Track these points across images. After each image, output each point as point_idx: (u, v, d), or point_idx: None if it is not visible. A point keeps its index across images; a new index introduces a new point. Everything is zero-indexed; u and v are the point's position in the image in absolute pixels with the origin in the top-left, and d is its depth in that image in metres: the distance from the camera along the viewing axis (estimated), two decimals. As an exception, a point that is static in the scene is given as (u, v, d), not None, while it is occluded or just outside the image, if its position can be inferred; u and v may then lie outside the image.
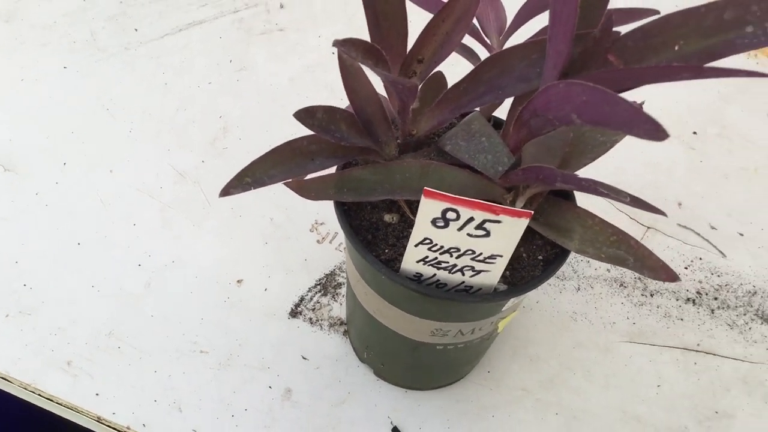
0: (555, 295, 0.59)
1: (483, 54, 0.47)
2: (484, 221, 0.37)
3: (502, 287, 0.42)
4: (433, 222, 0.37)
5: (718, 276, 0.62)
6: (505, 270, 0.43)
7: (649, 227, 0.64)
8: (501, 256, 0.39)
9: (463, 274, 0.40)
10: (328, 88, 0.70)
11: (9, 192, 0.59)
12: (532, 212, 0.36)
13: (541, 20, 0.45)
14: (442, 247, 0.39)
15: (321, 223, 0.60)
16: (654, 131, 0.28)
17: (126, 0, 0.74)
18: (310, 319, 0.55)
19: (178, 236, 0.58)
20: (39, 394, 0.49)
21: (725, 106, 0.75)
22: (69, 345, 0.51)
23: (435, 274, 0.41)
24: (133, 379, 0.50)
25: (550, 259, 0.44)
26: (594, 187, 0.37)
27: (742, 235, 0.65)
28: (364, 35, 0.75)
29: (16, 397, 0.51)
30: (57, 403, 0.49)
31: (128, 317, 0.53)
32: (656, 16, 0.37)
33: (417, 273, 0.41)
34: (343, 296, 0.57)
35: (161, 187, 0.61)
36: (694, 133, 0.73)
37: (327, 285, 0.57)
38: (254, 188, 0.39)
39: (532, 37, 0.46)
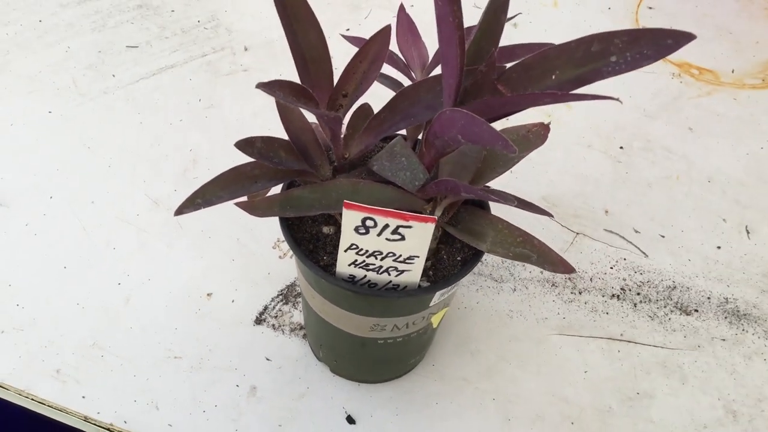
0: (493, 296, 0.66)
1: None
2: (398, 227, 0.44)
3: (425, 284, 0.49)
4: (356, 229, 0.44)
5: (641, 274, 0.69)
6: (429, 270, 0.50)
7: (578, 233, 0.72)
8: (418, 256, 0.46)
9: (389, 274, 0.47)
10: (288, 121, 0.78)
11: (1, 224, 0.66)
12: (436, 218, 0.44)
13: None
14: (367, 251, 0.46)
15: (282, 241, 0.68)
16: (507, 146, 0.36)
17: (104, 50, 0.82)
18: (273, 325, 0.62)
19: (153, 257, 0.65)
20: (32, 399, 0.56)
21: (650, 122, 0.83)
22: (57, 355, 0.58)
23: (365, 275, 0.48)
24: (114, 383, 0.57)
25: (467, 260, 0.51)
26: (487, 195, 0.45)
27: (663, 236, 0.73)
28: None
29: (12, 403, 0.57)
30: (48, 405, 0.56)
31: (110, 330, 0.60)
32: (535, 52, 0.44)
33: (350, 275, 0.48)
34: (302, 308, 0.64)
35: (137, 214, 0.68)
36: (621, 147, 0.81)
37: (288, 295, 0.64)
38: (204, 207, 0.47)
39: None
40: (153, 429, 0.55)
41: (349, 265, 0.47)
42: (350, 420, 0.58)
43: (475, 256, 0.51)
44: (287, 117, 0.48)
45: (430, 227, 0.44)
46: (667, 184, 0.77)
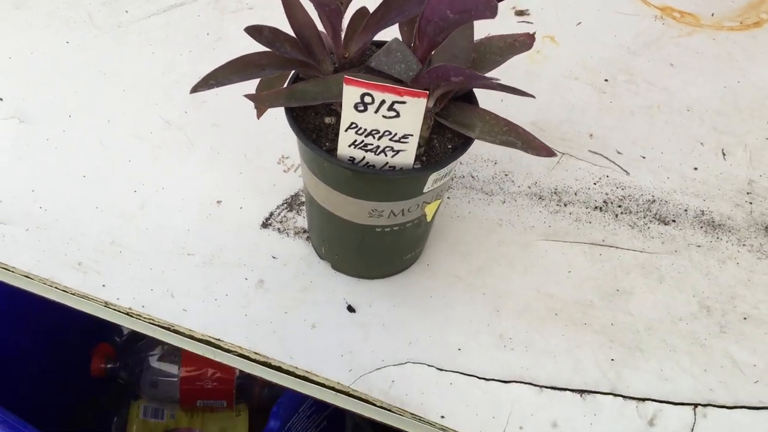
0: (484, 207, 0.71)
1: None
2: (393, 103, 0.48)
3: (417, 165, 0.54)
4: (355, 106, 0.49)
5: (623, 189, 0.74)
6: (422, 156, 0.55)
7: (563, 153, 0.76)
8: (411, 134, 0.50)
9: (386, 155, 0.52)
10: (291, 53, 0.83)
11: (24, 138, 0.70)
12: (428, 92, 0.48)
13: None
14: (365, 129, 0.50)
15: (287, 157, 0.72)
16: (489, 7, 0.40)
17: (117, -12, 0.87)
18: (279, 228, 0.67)
19: (166, 170, 0.70)
20: (56, 288, 0.61)
21: (633, 58, 0.88)
22: (79, 251, 0.63)
23: (364, 157, 0.52)
24: (132, 274, 0.62)
25: (457, 147, 0.56)
26: (474, 76, 0.49)
27: (644, 157, 0.77)
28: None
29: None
30: (71, 294, 0.61)
31: (127, 230, 0.65)
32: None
33: (350, 157, 0.52)
34: (305, 211, 0.68)
35: (151, 132, 0.73)
36: (606, 80, 0.85)
37: (292, 203, 0.69)
38: (216, 87, 0.52)
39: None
40: (169, 313, 0.60)
41: (349, 145, 0.52)
42: (350, 309, 0.62)
43: (465, 143, 0.55)
44: (291, 12, 0.52)
45: (422, 102, 0.48)
46: (648, 113, 0.82)
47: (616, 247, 0.69)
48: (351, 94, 0.48)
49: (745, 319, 0.65)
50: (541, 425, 0.57)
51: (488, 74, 0.56)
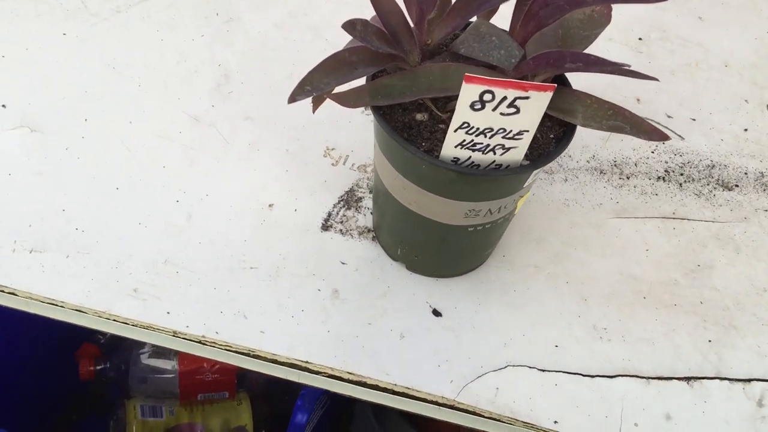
0: (547, 187, 0.67)
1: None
2: (515, 99, 0.44)
3: (525, 162, 0.49)
4: (471, 105, 0.44)
5: (681, 156, 0.71)
6: (524, 149, 0.50)
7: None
8: (527, 131, 0.46)
9: (495, 153, 0.47)
10: (312, 30, 0.76)
11: (40, 150, 0.62)
12: (555, 85, 0.43)
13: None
14: (477, 129, 0.45)
15: (332, 149, 0.66)
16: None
17: (107, -33, 0.78)
18: (341, 230, 0.61)
19: (206, 173, 0.63)
20: (114, 320, 0.54)
21: (662, 14, 0.85)
22: (131, 275, 0.56)
23: (470, 157, 0.47)
24: (196, 297, 0.56)
25: (559, 137, 0.51)
26: (601, 61, 0.45)
27: (694, 120, 0.75)
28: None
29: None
30: (133, 325, 0.54)
31: (178, 246, 0.58)
32: None
33: (454, 158, 0.48)
34: (365, 209, 0.63)
35: (180, 131, 0.65)
36: (640, 39, 0.82)
37: (349, 200, 0.63)
38: (314, 94, 0.45)
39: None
40: (246, 337, 0.54)
41: (456, 146, 0.47)
42: (436, 313, 0.58)
43: (568, 131, 0.51)
44: (379, 1, 0.46)
45: (548, 96, 0.44)
46: (688, 71, 0.79)
47: (688, 219, 0.66)
48: (470, 92, 0.43)
49: (826, 284, 0.63)
50: (656, 419, 0.55)
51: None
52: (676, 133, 0.73)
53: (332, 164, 0.66)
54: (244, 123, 0.67)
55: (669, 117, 0.74)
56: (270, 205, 0.62)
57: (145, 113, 0.66)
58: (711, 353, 0.58)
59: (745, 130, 0.74)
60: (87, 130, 0.64)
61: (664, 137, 0.49)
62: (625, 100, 0.75)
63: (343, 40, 0.49)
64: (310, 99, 0.49)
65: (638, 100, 0.75)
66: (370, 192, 0.64)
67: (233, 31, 0.74)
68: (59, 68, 0.68)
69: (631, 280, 0.62)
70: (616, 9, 0.84)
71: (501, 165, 0.48)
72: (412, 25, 0.50)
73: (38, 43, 0.70)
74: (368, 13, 0.48)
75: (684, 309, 0.60)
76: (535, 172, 0.50)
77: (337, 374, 0.54)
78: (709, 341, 0.59)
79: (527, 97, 0.44)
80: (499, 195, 0.50)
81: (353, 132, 0.68)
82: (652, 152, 0.71)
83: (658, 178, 0.69)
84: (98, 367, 0.98)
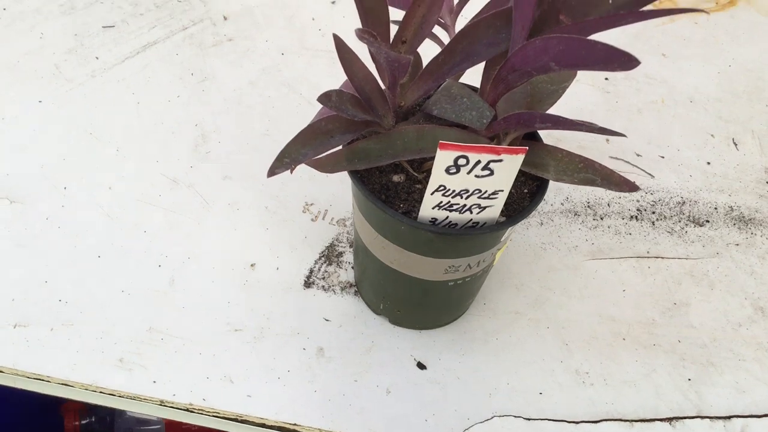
0: (523, 232, 0.68)
1: (439, 32, 0.55)
2: (489, 162, 0.45)
3: (501, 219, 0.50)
4: (447, 170, 0.45)
5: (652, 194, 0.73)
6: (500, 206, 0.52)
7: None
8: (502, 190, 0.47)
9: (471, 212, 0.48)
10: (286, 86, 0.77)
11: (20, 221, 0.62)
12: (527, 148, 0.45)
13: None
14: (453, 191, 0.47)
15: (311, 204, 0.67)
16: (628, 62, 0.37)
17: (80, 33, 0.78)
18: (323, 286, 0.62)
19: (187, 235, 0.64)
20: (101, 392, 0.54)
21: (628, 52, 0.87)
22: (116, 345, 0.57)
23: (447, 217, 0.49)
24: (182, 363, 0.56)
25: (533, 191, 0.53)
26: (569, 122, 0.46)
27: (663, 157, 0.76)
28: (305, 35, 0.84)
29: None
30: (120, 396, 0.54)
31: (162, 312, 0.59)
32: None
33: (432, 218, 0.49)
34: (346, 263, 0.64)
35: (159, 195, 0.66)
36: (606, 79, 0.84)
37: (330, 255, 0.64)
38: (292, 166, 0.46)
39: (480, 12, 0.54)
40: (233, 402, 0.55)
41: (434, 207, 0.48)
42: (420, 366, 0.59)
43: (541, 186, 0.52)
44: (351, 68, 0.47)
45: (521, 158, 0.45)
46: (654, 108, 0.81)
47: (662, 257, 0.68)
48: (444, 158, 0.44)
49: (799, 315, 0.65)
50: (642, 462, 0.56)
51: (551, 109, 0.54)
52: (646, 172, 0.75)
53: (312, 219, 0.67)
54: (223, 182, 0.68)
55: (638, 155, 0.76)
56: (252, 265, 0.63)
57: (125, 178, 0.67)
58: (691, 392, 0.59)
59: (713, 163, 0.76)
60: (67, 199, 0.65)
61: (633, 188, 0.51)
62: (594, 140, 0.77)
63: (317, 92, 0.50)
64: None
65: (607, 140, 0.77)
66: (351, 246, 0.65)
67: (208, 90, 0.75)
68: (36, 136, 0.69)
69: (609, 321, 0.63)
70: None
71: (478, 223, 0.49)
72: (384, 88, 0.51)
73: (14, 111, 0.70)
74: (339, 67, 0.50)
75: (663, 348, 0.61)
76: (511, 228, 0.51)
77: (327, 434, 0.54)
78: (689, 380, 0.60)
79: (500, 160, 0.45)
80: (477, 251, 0.52)
81: (331, 186, 0.69)
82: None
83: (631, 217, 0.71)
84: (83, 422, 0.98)
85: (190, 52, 0.78)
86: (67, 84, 0.73)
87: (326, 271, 0.63)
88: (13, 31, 0.77)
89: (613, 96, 0.82)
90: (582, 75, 0.83)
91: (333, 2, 0.86)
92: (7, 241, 0.61)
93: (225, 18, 0.82)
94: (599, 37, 0.39)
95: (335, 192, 0.68)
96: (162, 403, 0.54)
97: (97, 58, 0.76)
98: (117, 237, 0.63)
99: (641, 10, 0.43)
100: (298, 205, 0.67)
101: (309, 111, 0.73)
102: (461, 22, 0.56)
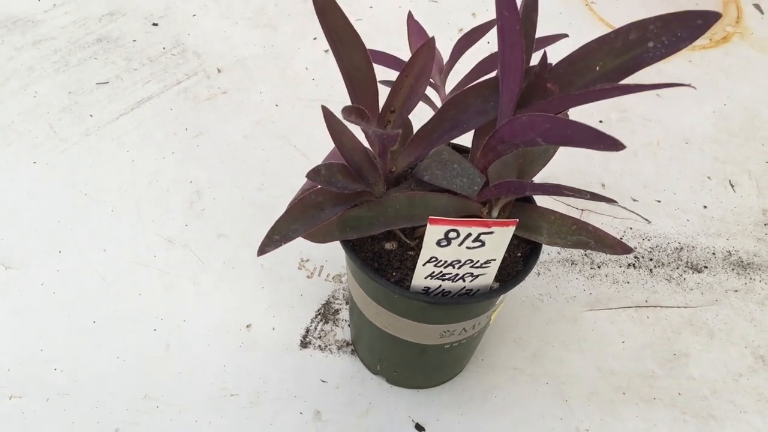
0: (521, 283, 0.68)
1: (430, 93, 0.55)
2: (480, 234, 0.45)
3: (495, 285, 0.50)
4: (438, 243, 0.45)
5: (648, 240, 0.73)
6: (492, 269, 0.51)
7: (583, 209, 0.74)
8: (494, 259, 0.47)
9: (464, 281, 0.48)
10: (281, 138, 0.77)
11: (15, 287, 0.62)
12: (517, 220, 0.45)
13: (470, 55, 0.54)
14: (445, 261, 0.46)
15: (307, 260, 0.67)
16: (613, 145, 0.37)
17: (74, 90, 0.79)
18: (320, 346, 0.62)
19: (182, 297, 0.64)
20: (97, 464, 0.54)
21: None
22: (111, 414, 0.56)
23: (440, 285, 0.48)
24: (177, 431, 0.56)
25: (527, 254, 0.52)
26: (559, 190, 0.46)
27: (659, 201, 0.76)
28: (298, 86, 0.84)
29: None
30: (116, 468, 0.54)
31: (157, 378, 0.59)
32: (578, 47, 0.45)
33: (425, 287, 0.48)
34: (343, 321, 0.63)
35: (154, 255, 0.66)
36: (600, 121, 0.84)
37: (326, 313, 0.64)
38: (283, 243, 0.46)
39: (469, 74, 0.55)
40: (230, 471, 0.54)
41: (426, 277, 0.48)
42: (419, 427, 0.58)
43: (534, 249, 0.52)
44: (340, 140, 0.47)
45: (511, 231, 0.45)
46: (650, 150, 0.81)
47: (661, 306, 0.67)
48: (435, 232, 0.44)
49: (800, 363, 0.64)
50: None
51: (539, 175, 0.54)
52: (642, 217, 0.74)
53: (307, 276, 0.66)
54: (218, 241, 0.68)
55: (634, 200, 0.76)
56: (248, 326, 0.62)
57: (120, 239, 0.67)
58: (693, 447, 0.59)
59: (710, 207, 0.76)
60: (61, 263, 0.65)
61: (627, 251, 0.50)
62: (590, 185, 0.76)
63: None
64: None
65: (603, 185, 0.77)
66: (347, 303, 0.65)
67: (203, 145, 0.75)
68: (30, 198, 0.69)
69: (609, 375, 0.62)
70: (576, 93, 0.87)
71: (471, 290, 0.49)
72: (375, 155, 0.51)
73: (8, 174, 0.70)
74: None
75: (663, 402, 0.61)
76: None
77: (325, 503, 0.54)
78: (691, 434, 0.59)
79: (491, 232, 0.45)
80: (471, 316, 0.51)
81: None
82: (621, 238, 0.72)
83: (629, 265, 0.70)
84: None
85: (184, 106, 0.79)
86: (61, 144, 0.73)
87: (323, 330, 0.63)
88: (7, 90, 0.78)
89: (608, 139, 0.82)
90: (576, 117, 0.83)
91: (326, 51, 0.86)
92: (2, 309, 0.61)
93: (219, 70, 0.83)
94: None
95: (331, 247, 0.68)
96: (158, 474, 0.54)
97: (91, 115, 0.76)
98: (112, 301, 0.63)
99: (626, 84, 0.43)
100: (294, 261, 0.67)
101: (304, 163, 0.73)
102: (452, 80, 0.56)
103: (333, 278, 0.66)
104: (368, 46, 0.47)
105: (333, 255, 0.68)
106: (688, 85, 0.38)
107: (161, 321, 0.62)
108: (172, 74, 0.82)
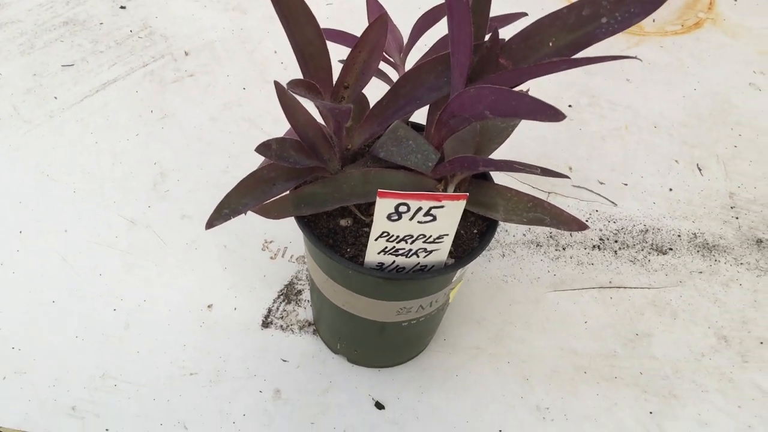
0: (485, 264, 0.68)
1: (388, 70, 0.55)
2: (431, 208, 0.45)
3: (450, 261, 0.50)
4: (388, 217, 0.45)
5: (614, 222, 0.73)
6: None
7: (549, 192, 0.74)
8: (447, 234, 0.47)
9: (418, 256, 0.48)
10: (247, 121, 0.77)
11: (-26, 267, 0.62)
12: (468, 194, 0.45)
13: (431, 34, 0.53)
14: (397, 236, 0.46)
15: (270, 241, 0.67)
16: (554, 115, 0.37)
17: (39, 72, 0.78)
18: (281, 326, 0.62)
19: (144, 278, 0.63)
20: (53, 442, 0.54)
21: (590, 79, 0.87)
22: (69, 393, 0.56)
23: (394, 261, 0.48)
24: (136, 410, 0.56)
25: (483, 231, 0.52)
26: (511, 165, 0.46)
27: (626, 184, 0.76)
28: (266, 69, 0.83)
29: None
30: (72, 446, 0.54)
31: (116, 357, 0.58)
32: (531, 21, 0.45)
33: (379, 263, 0.48)
34: (305, 301, 0.63)
35: (116, 236, 0.66)
36: (570, 106, 0.84)
37: (288, 294, 0.64)
38: (232, 217, 0.46)
39: (428, 52, 0.54)
40: (187, 449, 0.54)
41: (379, 253, 0.47)
42: (379, 405, 0.58)
43: (491, 226, 0.52)
44: (293, 115, 0.47)
45: (462, 205, 0.45)
46: (618, 135, 0.81)
47: (624, 287, 0.67)
48: (385, 206, 0.44)
49: (761, 343, 0.65)
50: (601, 500, 0.55)
51: (497, 151, 0.54)
52: (608, 200, 0.74)
53: (271, 257, 0.66)
54: (181, 222, 0.67)
55: (601, 183, 0.76)
56: (209, 306, 0.62)
57: (81, 220, 0.66)
58: (653, 425, 0.59)
59: (676, 190, 0.76)
60: (22, 243, 0.64)
61: (582, 227, 0.50)
62: (558, 168, 0.76)
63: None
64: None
65: (570, 168, 0.77)
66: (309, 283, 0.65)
67: (168, 127, 0.75)
68: (-8, 180, 0.68)
69: (571, 355, 0.62)
70: (543, 78, 0.87)
71: (426, 266, 0.49)
72: (329, 132, 0.51)
73: (-30, 155, 0.70)
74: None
75: (624, 381, 0.61)
76: (460, 269, 0.51)
77: (282, 480, 0.54)
78: (651, 413, 0.59)
79: (442, 206, 0.45)
80: (428, 293, 0.51)
81: (290, 223, 0.68)
82: (587, 221, 0.72)
83: (593, 246, 0.70)
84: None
85: (150, 88, 0.78)
86: (24, 125, 0.73)
87: (285, 310, 0.63)
88: (-28, 72, 0.77)
89: (576, 123, 0.82)
90: (545, 100, 0.83)
91: (296, 34, 0.86)
92: (-40, 288, 0.61)
93: (186, 53, 0.82)
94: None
95: (294, 228, 0.68)
96: (115, 453, 0.54)
97: (55, 97, 0.76)
98: (72, 281, 0.62)
99: (573, 57, 0.43)
100: (257, 242, 0.67)
101: (270, 146, 0.73)
102: (411, 59, 0.56)
103: (297, 259, 0.66)
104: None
105: (297, 236, 0.68)
106: (635, 57, 0.38)
107: (121, 301, 0.62)
108: (138, 57, 0.81)
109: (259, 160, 0.48)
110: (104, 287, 0.62)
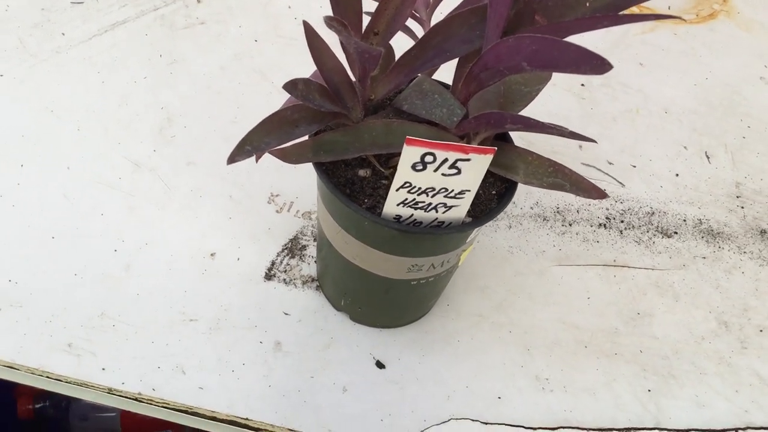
0: (491, 234, 0.68)
1: (415, 27, 0.54)
2: (457, 160, 0.44)
3: (468, 220, 0.49)
4: (413, 166, 0.44)
5: (621, 203, 0.72)
6: (467, 206, 0.50)
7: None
8: (469, 190, 0.46)
9: (437, 211, 0.47)
10: (257, 72, 0.75)
11: (-27, 197, 0.60)
12: (496, 148, 0.44)
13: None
14: (419, 188, 0.45)
15: (277, 195, 0.66)
16: (600, 65, 0.36)
17: (47, 7, 0.76)
18: (284, 279, 0.61)
19: (146, 221, 0.62)
20: (47, 377, 0.52)
21: (605, 59, 0.86)
22: (65, 329, 0.55)
23: (412, 215, 0.47)
24: (133, 352, 0.54)
25: (501, 193, 0.52)
26: (540, 124, 0.45)
27: (634, 166, 0.76)
28: (280, 22, 0.82)
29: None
30: (66, 382, 0.53)
31: (115, 298, 0.57)
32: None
33: (396, 215, 0.47)
34: (309, 257, 0.62)
35: (120, 177, 0.64)
36: (582, 85, 0.83)
37: (293, 248, 0.63)
38: (255, 154, 0.45)
39: (458, 7, 0.53)
40: (184, 393, 0.53)
41: (398, 204, 0.47)
42: (379, 365, 0.57)
43: (510, 188, 0.51)
44: (320, 57, 0.46)
45: (488, 158, 0.44)
46: (629, 117, 0.81)
47: (628, 267, 0.67)
48: (411, 154, 0.43)
49: (761, 331, 0.65)
50: (597, 472, 0.55)
51: (523, 112, 0.53)
52: (617, 180, 0.74)
53: (276, 211, 0.65)
54: (187, 168, 0.66)
55: (610, 164, 0.76)
56: (212, 254, 0.61)
57: (84, 158, 0.65)
58: (650, 403, 0.59)
59: (684, 175, 0.76)
60: (23, 177, 0.62)
61: (602, 195, 0.50)
62: (567, 146, 0.76)
63: None
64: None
65: (580, 146, 0.76)
66: (315, 240, 0.64)
67: (177, 72, 0.73)
68: (-6, 111, 0.67)
69: (573, 328, 0.62)
70: (560, 54, 0.86)
71: (443, 222, 0.48)
72: (354, 80, 0.49)
73: (-27, 84, 0.68)
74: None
75: (624, 358, 0.61)
76: (477, 228, 0.50)
77: (278, 431, 0.53)
78: (649, 391, 0.59)
79: (468, 159, 0.44)
80: (441, 251, 0.50)
81: (298, 178, 0.67)
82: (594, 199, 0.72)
83: (600, 225, 0.70)
84: (37, 406, 0.95)
85: (160, 33, 0.76)
86: (30, 59, 0.71)
87: (288, 264, 0.62)
88: (-23, 2, 0.75)
89: (588, 102, 0.81)
90: (558, 80, 0.83)
91: (311, -9, 0.84)
92: (-43, 217, 0.59)
93: (198, 1, 0.81)
94: (576, 39, 0.38)
95: (302, 184, 0.67)
96: (110, 391, 0.53)
97: (63, 34, 0.74)
98: (73, 218, 0.61)
99: (618, 15, 0.42)
100: (264, 195, 0.66)
101: (280, 100, 0.71)
102: (437, 18, 0.55)
103: (302, 215, 0.65)
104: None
105: (303, 191, 0.66)
106: (679, 18, 0.37)
107: (122, 242, 0.60)
108: (149, 0, 0.79)
109: (266, 113, 0.47)
110: (105, 227, 0.61)
